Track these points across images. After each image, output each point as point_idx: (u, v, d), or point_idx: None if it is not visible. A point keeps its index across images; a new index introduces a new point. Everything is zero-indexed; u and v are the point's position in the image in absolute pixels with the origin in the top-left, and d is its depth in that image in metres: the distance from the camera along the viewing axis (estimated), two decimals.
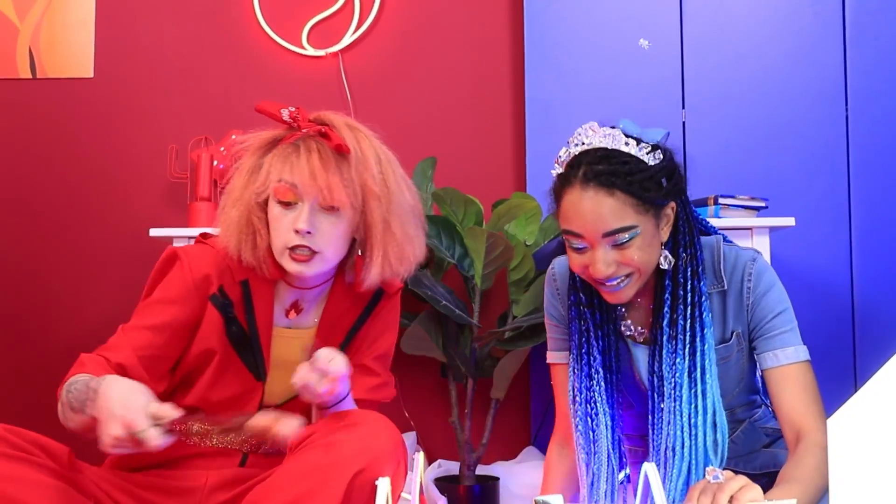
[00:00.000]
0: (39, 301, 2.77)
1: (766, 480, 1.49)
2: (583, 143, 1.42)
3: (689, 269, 1.43)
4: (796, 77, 2.61)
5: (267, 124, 1.56)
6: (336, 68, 2.79)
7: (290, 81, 2.80)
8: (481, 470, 2.47)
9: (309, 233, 1.43)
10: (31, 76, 2.82)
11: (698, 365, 1.43)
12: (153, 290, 1.51)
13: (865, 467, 0.76)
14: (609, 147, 1.40)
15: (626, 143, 1.40)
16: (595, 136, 1.42)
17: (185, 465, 1.48)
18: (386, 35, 2.82)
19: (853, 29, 2.61)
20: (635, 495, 1.32)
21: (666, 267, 1.43)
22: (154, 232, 2.46)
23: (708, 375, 1.42)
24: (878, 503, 0.75)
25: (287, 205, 1.44)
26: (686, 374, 1.42)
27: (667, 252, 1.43)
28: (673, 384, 1.42)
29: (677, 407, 1.42)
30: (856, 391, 0.79)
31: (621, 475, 1.50)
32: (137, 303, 1.52)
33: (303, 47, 2.80)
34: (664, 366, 1.43)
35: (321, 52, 2.80)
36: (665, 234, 1.43)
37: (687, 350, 1.42)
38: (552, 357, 1.63)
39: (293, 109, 1.52)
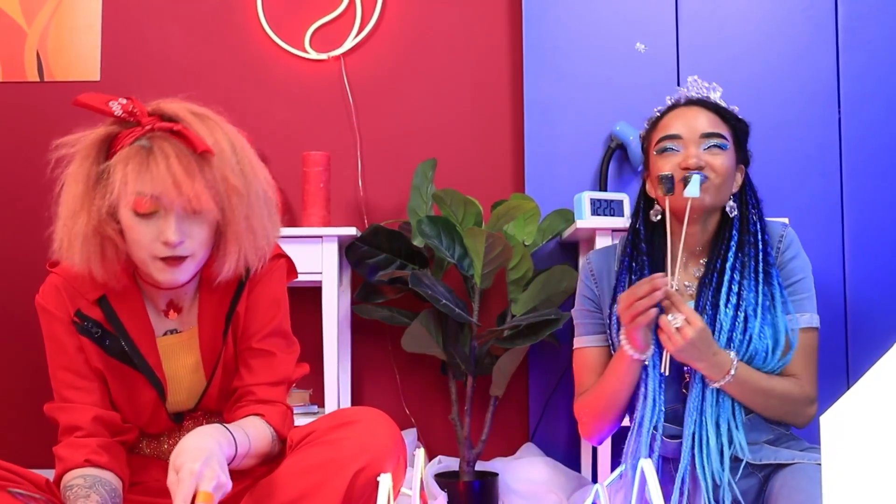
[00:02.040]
0: None
1: (763, 474, 1.50)
2: (685, 94, 1.62)
3: (759, 223, 1.56)
4: (790, 80, 2.61)
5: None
6: (338, 72, 2.79)
7: (293, 84, 2.80)
8: (480, 466, 2.47)
9: (181, 242, 1.30)
10: (38, 79, 2.82)
11: (773, 297, 1.51)
12: (45, 345, 1.46)
13: (858, 464, 0.76)
14: (714, 99, 1.60)
15: (724, 103, 1.61)
16: (693, 90, 1.62)
17: (155, 479, 1.46)
18: (387, 39, 2.82)
19: (846, 33, 2.61)
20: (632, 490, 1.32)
21: (731, 214, 1.55)
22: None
23: (782, 310, 1.51)
24: (871, 500, 0.75)
25: (147, 215, 1.30)
26: (759, 309, 1.50)
27: (733, 203, 1.56)
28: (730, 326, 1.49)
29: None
30: (848, 389, 0.79)
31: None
32: None
33: (305, 51, 2.80)
34: (721, 305, 1.50)
35: (323, 56, 2.80)
36: (736, 187, 1.57)
37: (761, 287, 1.50)
38: (581, 342, 1.66)
39: (125, 102, 1.37)
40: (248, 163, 1.38)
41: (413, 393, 2.67)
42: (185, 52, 2.82)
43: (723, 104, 1.61)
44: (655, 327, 1.49)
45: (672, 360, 1.49)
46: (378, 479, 1.25)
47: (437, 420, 2.68)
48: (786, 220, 2.29)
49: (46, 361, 1.45)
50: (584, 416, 1.63)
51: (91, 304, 1.41)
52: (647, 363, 1.52)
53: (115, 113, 1.36)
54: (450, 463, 2.52)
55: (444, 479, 2.36)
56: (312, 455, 1.26)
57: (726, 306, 1.50)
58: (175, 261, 1.31)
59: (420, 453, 1.51)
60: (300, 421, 1.60)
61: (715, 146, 1.53)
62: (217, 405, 1.49)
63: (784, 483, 1.38)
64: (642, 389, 1.54)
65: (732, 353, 1.46)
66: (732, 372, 1.45)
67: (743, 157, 1.61)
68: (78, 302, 1.41)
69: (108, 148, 1.37)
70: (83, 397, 1.40)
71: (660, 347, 1.51)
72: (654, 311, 1.43)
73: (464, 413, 2.39)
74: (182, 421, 1.49)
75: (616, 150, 2.61)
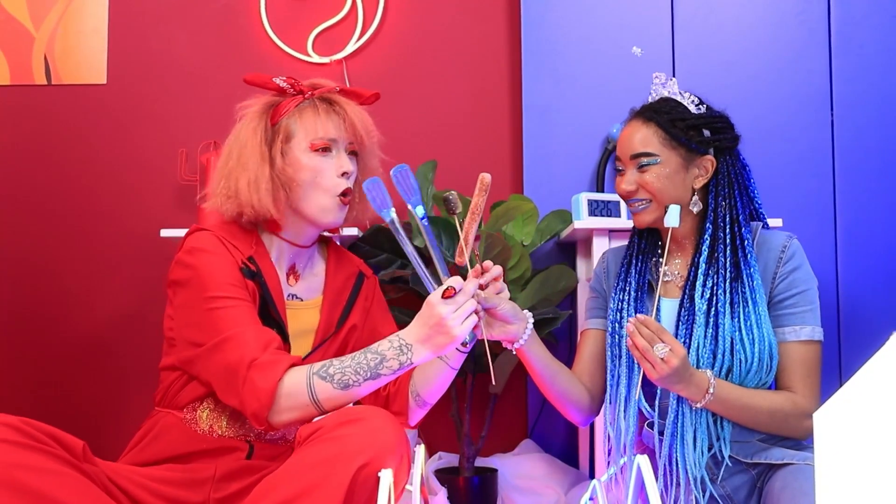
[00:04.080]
0: (55, 298, 2.77)
1: (756, 472, 1.49)
2: (652, 97, 1.64)
3: (727, 216, 1.55)
4: (783, 83, 2.61)
5: None
6: (340, 75, 2.79)
7: None
8: (480, 462, 2.47)
9: (353, 172, 1.56)
10: (46, 82, 2.82)
11: (740, 295, 1.50)
12: (196, 292, 1.45)
13: (851, 461, 0.76)
14: (666, 96, 1.61)
15: (681, 94, 1.60)
16: (661, 89, 1.63)
17: (194, 458, 1.48)
18: (388, 43, 2.82)
19: (838, 37, 2.61)
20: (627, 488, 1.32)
21: (694, 210, 1.57)
22: (165, 233, 2.46)
23: (753, 306, 1.50)
24: (863, 497, 0.75)
25: (325, 154, 1.54)
26: (728, 304, 1.50)
27: (696, 198, 1.57)
28: (704, 320, 1.50)
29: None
30: (840, 387, 0.79)
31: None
32: (154, 300, 1.51)
33: (308, 55, 2.80)
34: (696, 298, 1.51)
35: (326, 60, 2.80)
36: (699, 182, 1.57)
37: (728, 284, 1.50)
38: (586, 325, 1.72)
39: (285, 77, 1.60)
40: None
41: None
42: (190, 55, 2.82)
43: (677, 100, 1.59)
44: (641, 302, 1.55)
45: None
46: (380, 474, 1.25)
47: (437, 417, 2.67)
48: (779, 222, 2.30)
49: (180, 321, 1.47)
50: None
51: (245, 259, 1.52)
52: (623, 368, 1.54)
53: (280, 85, 1.58)
54: (450, 459, 2.52)
55: (444, 475, 2.36)
56: (318, 450, 1.27)
57: (700, 298, 1.51)
58: (345, 199, 1.55)
59: (420, 450, 1.51)
60: None
61: (644, 165, 1.56)
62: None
63: (786, 485, 1.37)
64: (614, 390, 1.56)
65: (709, 372, 1.45)
66: (711, 391, 1.44)
67: (699, 150, 1.56)
68: (236, 254, 1.51)
69: (271, 114, 1.58)
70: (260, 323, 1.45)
71: (630, 372, 1.54)
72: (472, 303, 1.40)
73: (464, 410, 2.39)
74: None
75: (613, 152, 2.62)
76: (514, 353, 1.55)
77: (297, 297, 1.59)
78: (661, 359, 1.39)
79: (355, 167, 1.60)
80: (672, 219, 1.48)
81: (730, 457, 1.48)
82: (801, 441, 1.54)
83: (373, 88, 2.78)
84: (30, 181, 2.80)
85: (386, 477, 1.24)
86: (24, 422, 1.24)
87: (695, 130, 1.56)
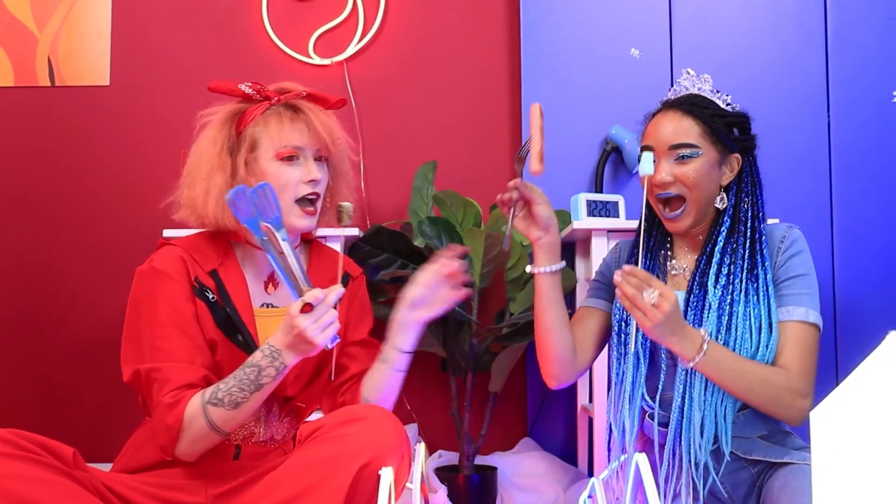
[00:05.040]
0: (57, 298, 2.77)
1: (756, 470, 1.49)
2: (677, 92, 1.61)
3: (749, 212, 1.55)
4: (780, 84, 2.61)
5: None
6: (341, 76, 2.79)
7: None
8: (480, 460, 2.47)
9: (320, 180, 1.53)
10: (49, 84, 2.82)
11: (754, 287, 1.49)
12: (146, 312, 1.48)
13: (847, 460, 0.76)
14: (696, 92, 1.59)
15: (711, 91, 1.59)
16: (687, 82, 1.61)
17: (182, 463, 1.47)
18: (389, 44, 2.82)
19: (835, 39, 2.61)
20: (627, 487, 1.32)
21: (720, 207, 1.55)
22: (167, 232, 2.46)
23: (765, 299, 1.49)
24: (860, 495, 0.75)
25: (291, 162, 1.51)
26: (743, 293, 1.49)
27: (724, 195, 1.56)
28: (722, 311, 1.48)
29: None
30: (837, 386, 0.79)
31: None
32: (125, 312, 1.52)
33: (309, 56, 2.80)
34: (710, 286, 1.49)
35: (327, 61, 2.80)
36: (726, 180, 1.56)
37: (745, 275, 1.50)
38: (585, 303, 1.71)
39: (251, 83, 1.57)
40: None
41: (414, 389, 2.67)
42: (192, 57, 2.82)
43: (709, 97, 1.59)
44: (626, 318, 1.53)
45: (650, 343, 1.50)
46: (380, 473, 1.25)
47: (437, 415, 2.68)
48: (776, 222, 2.30)
49: (130, 330, 1.49)
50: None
51: (206, 274, 1.51)
52: (631, 351, 1.54)
53: (245, 92, 1.56)
54: (450, 457, 2.52)
55: (444, 473, 2.36)
56: (320, 449, 1.26)
57: (715, 287, 1.50)
58: (311, 206, 1.52)
59: (421, 448, 1.51)
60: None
61: (682, 157, 1.52)
62: (291, 388, 1.53)
63: (785, 483, 1.36)
64: (617, 376, 1.56)
65: (703, 330, 1.43)
66: (705, 347, 1.40)
67: (733, 148, 1.56)
68: (195, 270, 1.51)
69: (235, 122, 1.56)
70: (189, 357, 1.44)
71: (636, 369, 1.53)
72: (514, 195, 1.47)
73: (463, 409, 2.39)
74: None
75: (611, 153, 2.62)
76: (532, 275, 1.55)
77: (271, 305, 1.58)
78: (653, 304, 1.36)
79: (325, 173, 1.58)
80: (647, 166, 1.47)
81: (731, 452, 1.47)
82: (796, 426, 1.52)
83: (373, 90, 2.80)
84: (33, 182, 2.80)
85: (387, 475, 1.24)
86: (12, 432, 1.23)
87: (728, 129, 1.56)
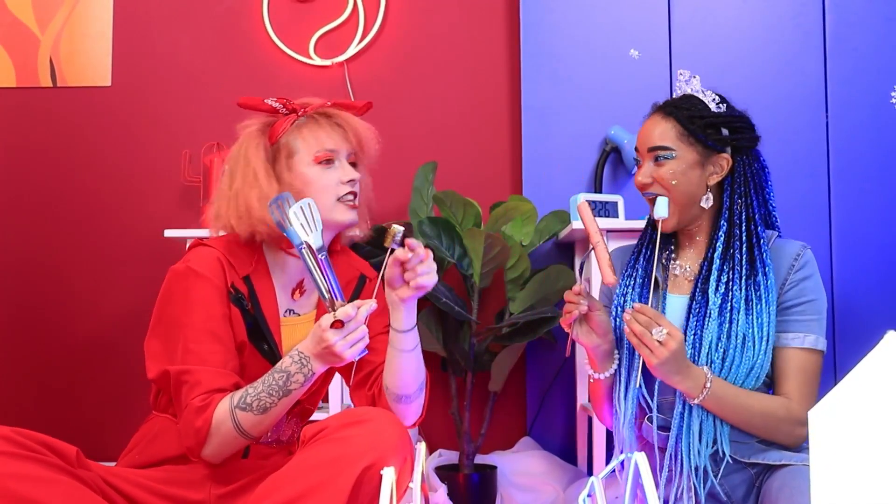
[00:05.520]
0: (59, 299, 2.77)
1: (755, 471, 1.49)
2: (677, 94, 1.63)
3: (743, 213, 1.55)
4: (779, 85, 2.61)
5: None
6: (342, 77, 2.79)
7: (298, 89, 2.78)
8: (479, 459, 2.48)
9: (359, 179, 1.58)
10: (51, 85, 2.82)
11: (754, 293, 1.50)
12: (180, 312, 1.47)
13: (845, 460, 0.76)
14: (689, 93, 1.61)
15: (702, 93, 1.60)
16: (685, 86, 1.63)
17: (190, 460, 1.47)
18: (389, 45, 2.82)
19: (833, 40, 2.61)
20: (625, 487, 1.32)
21: (705, 206, 1.56)
22: (169, 233, 2.46)
23: (766, 305, 1.49)
24: (858, 494, 0.75)
25: (328, 166, 1.55)
26: (743, 300, 1.49)
27: (709, 195, 1.56)
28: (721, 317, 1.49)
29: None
30: (835, 386, 0.79)
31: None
32: (154, 308, 1.51)
33: (310, 57, 2.80)
34: (710, 293, 1.50)
35: (327, 62, 2.80)
36: (714, 179, 1.56)
37: (743, 282, 1.50)
38: None
39: (276, 98, 1.60)
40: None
41: None
42: (194, 58, 2.82)
43: (698, 97, 1.59)
44: (629, 349, 1.53)
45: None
46: (382, 472, 1.26)
47: (437, 415, 2.68)
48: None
49: (162, 329, 1.48)
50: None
51: (241, 280, 1.52)
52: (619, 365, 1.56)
53: (272, 106, 1.58)
54: (450, 456, 2.52)
55: (444, 472, 2.36)
56: (323, 451, 1.27)
57: (715, 294, 1.50)
58: (353, 202, 1.57)
59: (421, 447, 1.51)
60: None
61: (658, 158, 1.55)
62: (305, 393, 1.52)
63: (784, 484, 1.36)
64: (619, 389, 1.56)
65: (706, 368, 1.45)
66: (708, 385, 1.43)
67: (716, 148, 1.55)
68: (232, 275, 1.51)
69: (268, 134, 1.58)
70: (221, 362, 1.44)
71: (630, 360, 1.54)
72: (575, 312, 1.48)
73: (463, 408, 2.39)
74: None
75: (611, 154, 2.62)
76: (591, 381, 1.59)
77: (294, 313, 1.59)
78: (659, 342, 1.38)
79: (359, 175, 1.62)
80: (661, 209, 1.50)
81: (729, 455, 1.48)
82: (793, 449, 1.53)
83: (373, 90, 2.80)
84: (35, 182, 2.80)
85: (388, 475, 1.24)
86: (15, 431, 1.23)
87: (713, 128, 1.56)
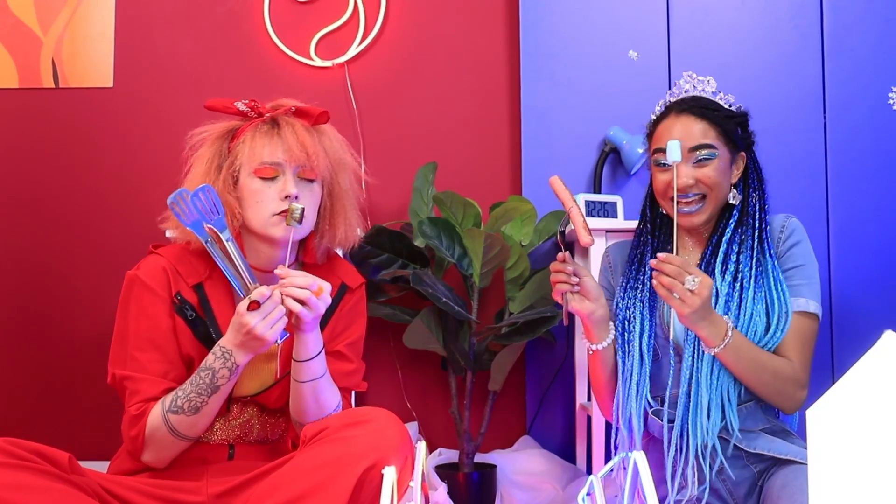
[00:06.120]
0: (60, 300, 2.77)
1: (758, 470, 1.49)
2: (677, 94, 1.63)
3: (757, 205, 1.58)
4: (777, 86, 2.62)
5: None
6: (342, 78, 2.80)
7: (299, 90, 2.79)
8: (479, 458, 2.48)
9: (297, 197, 1.49)
10: (53, 86, 2.82)
11: (762, 274, 1.51)
12: (129, 319, 1.50)
13: (843, 459, 0.76)
14: (698, 94, 1.62)
15: (713, 93, 1.61)
16: (688, 85, 1.63)
17: (178, 464, 1.48)
18: (389, 47, 2.82)
19: (831, 41, 2.62)
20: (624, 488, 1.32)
21: (733, 202, 1.58)
22: (170, 234, 2.46)
23: (775, 283, 1.51)
24: (856, 493, 0.75)
25: (270, 179, 1.49)
26: (752, 279, 1.50)
27: (735, 191, 1.59)
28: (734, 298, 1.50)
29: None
30: (833, 384, 0.79)
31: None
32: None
33: (311, 58, 2.80)
34: (717, 275, 1.51)
35: (328, 63, 2.80)
36: (735, 177, 1.59)
37: (753, 261, 1.51)
38: None
39: (247, 101, 1.56)
40: (346, 149, 1.62)
41: (414, 388, 2.67)
42: (195, 59, 2.82)
43: (713, 99, 1.61)
44: (653, 300, 1.54)
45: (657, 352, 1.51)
46: (383, 472, 1.26)
47: (437, 414, 2.68)
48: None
49: (116, 333, 1.51)
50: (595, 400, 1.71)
51: (189, 288, 1.50)
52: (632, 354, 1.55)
53: (240, 109, 1.55)
54: (450, 455, 2.52)
55: (444, 471, 2.36)
56: (324, 451, 1.27)
57: (723, 275, 1.50)
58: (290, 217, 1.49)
59: (421, 446, 1.51)
60: None
61: (701, 159, 1.54)
62: (276, 402, 1.51)
63: (786, 483, 1.36)
64: (623, 382, 1.56)
65: (726, 317, 1.46)
66: (730, 334, 1.42)
67: (740, 146, 1.60)
68: (179, 284, 1.50)
69: (230, 139, 1.56)
70: (161, 371, 1.45)
71: (641, 366, 1.53)
72: (563, 284, 1.48)
73: (463, 407, 2.39)
74: (230, 407, 1.51)
75: (610, 154, 2.62)
76: (589, 353, 1.57)
77: None
78: (691, 291, 1.37)
79: (312, 192, 1.55)
80: (675, 153, 1.47)
81: (734, 446, 1.47)
82: (799, 437, 1.53)
83: (374, 91, 2.80)
84: (36, 183, 2.80)
85: (389, 474, 1.24)
86: (7, 441, 1.23)
87: (735, 125, 1.60)
